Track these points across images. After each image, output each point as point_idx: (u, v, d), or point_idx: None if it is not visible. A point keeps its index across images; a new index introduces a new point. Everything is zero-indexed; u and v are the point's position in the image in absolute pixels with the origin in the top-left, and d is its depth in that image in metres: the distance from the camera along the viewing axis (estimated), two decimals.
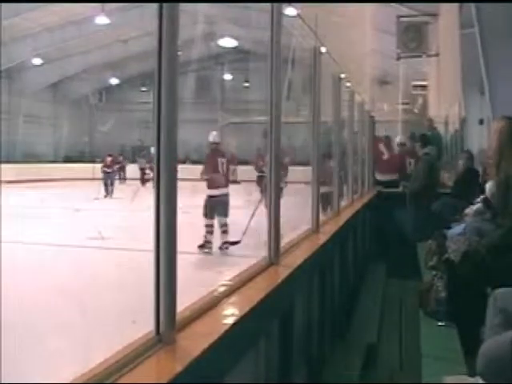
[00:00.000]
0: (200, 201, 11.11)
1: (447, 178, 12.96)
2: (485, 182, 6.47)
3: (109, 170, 24.77)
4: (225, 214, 11.00)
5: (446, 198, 8.52)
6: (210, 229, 11.01)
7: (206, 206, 11.01)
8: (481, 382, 2.83)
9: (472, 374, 2.98)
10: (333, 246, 5.86)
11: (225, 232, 10.99)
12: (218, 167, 11.15)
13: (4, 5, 22.37)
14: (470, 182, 8.24)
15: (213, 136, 11.65)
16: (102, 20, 26.34)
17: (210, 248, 11.00)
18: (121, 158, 31.30)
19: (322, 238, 5.33)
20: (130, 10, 28.06)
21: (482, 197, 6.37)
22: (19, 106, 34.11)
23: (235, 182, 17.33)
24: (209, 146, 11.88)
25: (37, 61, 32.60)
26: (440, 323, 4.13)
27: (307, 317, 4.51)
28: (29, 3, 24.27)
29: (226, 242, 10.93)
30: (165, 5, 2.20)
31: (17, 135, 33.89)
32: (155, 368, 2.06)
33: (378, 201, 11.12)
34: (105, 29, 27.59)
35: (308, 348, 4.57)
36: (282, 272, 3.64)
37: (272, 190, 3.86)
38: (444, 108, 16.78)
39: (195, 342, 2.27)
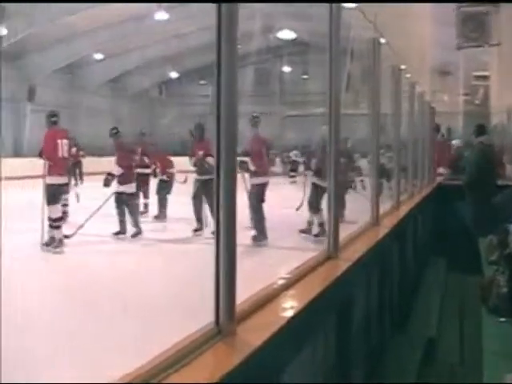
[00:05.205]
0: None
1: (510, 169, 12.68)
2: None
3: None
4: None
5: (509, 191, 8.20)
6: None
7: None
8: None
9: None
10: (392, 240, 5.80)
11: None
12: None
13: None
14: None
15: None
16: (161, 15, 26.65)
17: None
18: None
19: None
20: (189, 5, 28.22)
21: None
22: (81, 101, 34.68)
23: None
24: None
25: (98, 56, 33.13)
26: (502, 319, 4.04)
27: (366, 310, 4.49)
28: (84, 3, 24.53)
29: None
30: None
31: (79, 128, 34.51)
32: (214, 359, 2.09)
33: (438, 194, 10.94)
34: (164, 24, 27.85)
35: (367, 342, 4.54)
36: (341, 265, 3.63)
37: (331, 184, 3.84)
38: (506, 98, 16.41)
39: (254, 334, 2.29)
